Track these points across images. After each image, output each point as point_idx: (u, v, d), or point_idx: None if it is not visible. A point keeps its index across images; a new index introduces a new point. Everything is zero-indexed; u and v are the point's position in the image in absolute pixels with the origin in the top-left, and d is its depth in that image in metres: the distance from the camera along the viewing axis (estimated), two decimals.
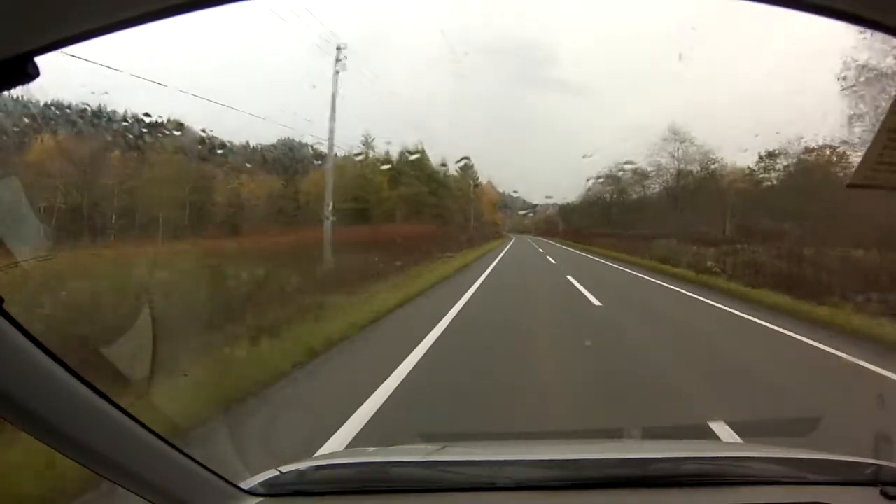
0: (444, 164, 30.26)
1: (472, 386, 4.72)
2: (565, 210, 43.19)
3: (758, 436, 3.42)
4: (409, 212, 25.52)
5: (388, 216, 23.76)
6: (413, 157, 26.53)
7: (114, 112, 12.25)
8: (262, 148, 22.11)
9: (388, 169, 25.90)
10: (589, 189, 36.09)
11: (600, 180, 34.52)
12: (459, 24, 44.73)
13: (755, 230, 19.35)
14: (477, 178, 35.71)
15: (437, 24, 40.95)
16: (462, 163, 34.74)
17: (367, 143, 24.40)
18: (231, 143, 18.70)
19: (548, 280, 14.27)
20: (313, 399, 4.50)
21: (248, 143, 21.07)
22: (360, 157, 23.87)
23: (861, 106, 14.41)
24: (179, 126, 12.83)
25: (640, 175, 31.03)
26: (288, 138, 21.68)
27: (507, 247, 32.99)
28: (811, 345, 6.89)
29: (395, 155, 26.97)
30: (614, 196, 34.91)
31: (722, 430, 3.54)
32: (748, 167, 23.61)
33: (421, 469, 1.33)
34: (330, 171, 14.40)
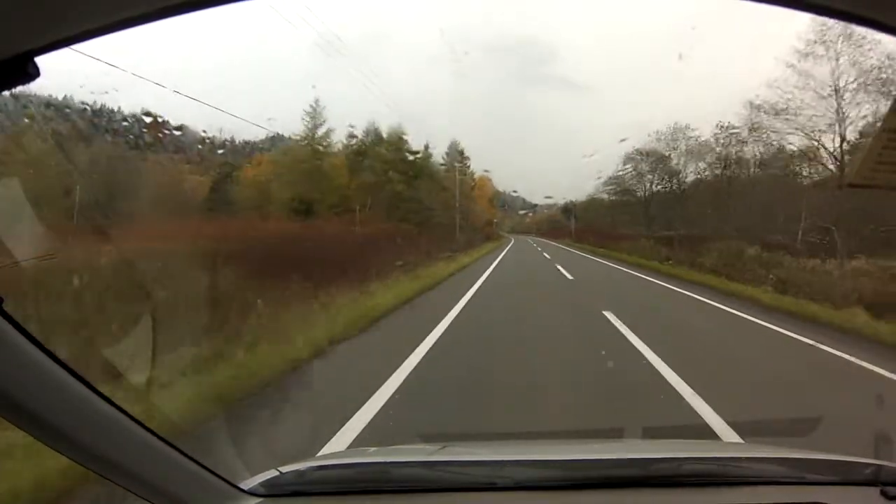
0: (427, 149, 24.58)
1: None
2: (577, 207, 37.85)
3: (758, 436, 3.42)
4: (375, 206, 20.53)
5: (347, 212, 19.46)
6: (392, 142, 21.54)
7: (113, 111, 11.98)
8: (251, 144, 20.51)
9: (349, 153, 21.29)
10: (614, 177, 26.36)
11: (631, 164, 24.77)
12: (459, 22, 44.90)
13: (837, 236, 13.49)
14: (469, 168, 29.88)
15: (436, 23, 41.05)
16: (462, 159, 28.69)
17: (315, 116, 19.73)
18: (214, 137, 16.74)
19: None
20: None
21: (233, 138, 19.15)
22: (306, 137, 19.57)
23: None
24: (179, 127, 12.71)
25: (716, 146, 20.49)
26: (279, 134, 19.83)
27: (500, 258, 22.55)
28: None
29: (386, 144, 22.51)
30: (658, 181, 23.88)
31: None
32: (847, 141, 14.17)
33: (421, 469, 1.34)
34: None
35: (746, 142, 18.92)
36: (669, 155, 23.22)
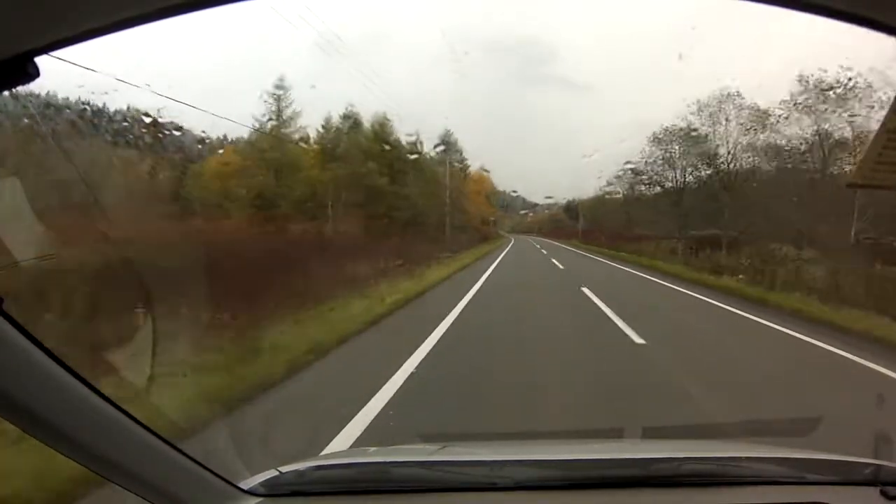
0: (418, 139, 21.57)
1: None
2: (582, 206, 35.26)
3: (758, 436, 3.42)
4: (351, 202, 17.44)
5: (319, 207, 16.68)
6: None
7: (114, 111, 11.86)
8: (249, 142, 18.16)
9: (324, 142, 18.30)
10: (633, 167, 20.95)
11: (660, 147, 19.17)
12: (459, 22, 44.88)
13: None
14: (466, 162, 27.22)
15: (437, 23, 40.97)
16: (454, 151, 25.40)
17: (280, 99, 16.79)
18: (210, 138, 15.75)
19: None
20: None
21: (225, 136, 17.37)
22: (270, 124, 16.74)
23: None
24: (179, 127, 12.61)
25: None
26: (260, 130, 17.17)
27: (496, 264, 17.79)
28: None
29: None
30: (693, 167, 18.66)
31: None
32: None
33: (421, 469, 1.34)
34: None
35: (849, 98, 13.63)
36: (708, 134, 17.74)
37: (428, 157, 23.41)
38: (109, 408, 0.91)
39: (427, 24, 44.66)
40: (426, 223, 20.90)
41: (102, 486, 1.97)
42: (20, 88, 0.67)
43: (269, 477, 1.24)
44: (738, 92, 16.72)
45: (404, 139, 21.04)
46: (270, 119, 17.01)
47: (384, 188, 18.43)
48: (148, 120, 10.63)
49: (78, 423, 0.86)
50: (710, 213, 17.52)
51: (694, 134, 18.29)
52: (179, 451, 1.04)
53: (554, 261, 19.55)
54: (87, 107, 10.50)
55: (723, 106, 17.20)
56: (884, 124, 0.77)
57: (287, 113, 17.08)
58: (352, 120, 19.34)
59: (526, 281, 13.80)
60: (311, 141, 18.44)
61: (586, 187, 35.42)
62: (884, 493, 1.15)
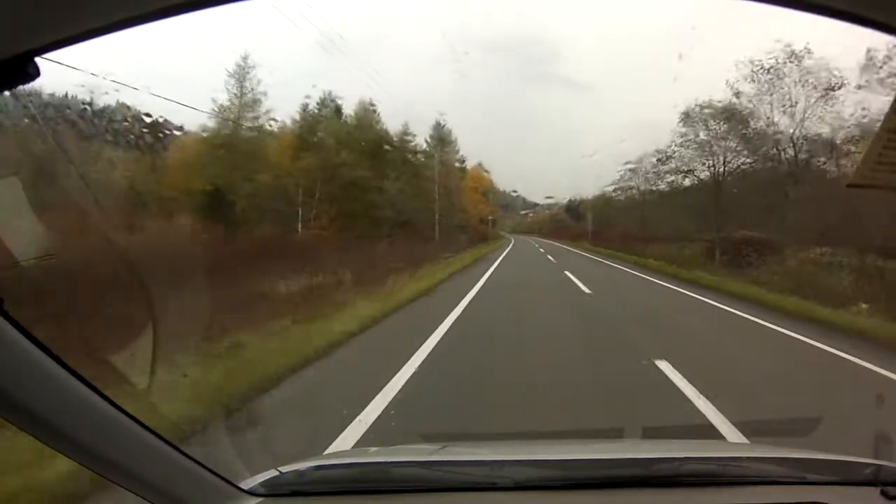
0: (407, 134, 20.07)
1: None
2: (587, 205, 33.17)
3: (758, 436, 3.42)
4: (330, 200, 15.36)
5: (287, 208, 14.63)
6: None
7: (113, 111, 11.76)
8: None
9: (299, 131, 16.14)
10: (661, 154, 17.03)
11: (694, 127, 14.92)
12: (460, 22, 45.01)
13: None
14: (459, 156, 25.75)
15: (437, 23, 41.23)
16: (446, 144, 23.82)
17: (241, 80, 14.63)
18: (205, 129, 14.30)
19: None
20: None
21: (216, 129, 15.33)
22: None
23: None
24: (180, 128, 12.50)
25: None
26: (218, 115, 15.06)
27: (483, 284, 11.66)
28: None
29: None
30: (736, 152, 14.23)
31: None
32: None
33: (421, 469, 1.34)
34: None
35: None
36: (755, 109, 12.97)
37: (420, 155, 22.04)
38: (109, 408, 0.91)
39: (427, 24, 44.84)
40: (414, 222, 18.54)
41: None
42: (20, 88, 0.67)
43: (269, 477, 1.24)
44: (806, 48, 12.27)
45: (396, 134, 19.67)
46: (230, 103, 14.87)
47: (366, 183, 15.88)
48: (149, 120, 10.54)
49: (78, 423, 0.86)
50: (763, 209, 13.35)
51: (741, 108, 13.90)
52: (179, 451, 1.04)
53: (568, 274, 13.80)
54: (87, 107, 10.51)
55: (784, 69, 12.63)
56: (884, 124, 0.76)
57: (249, 96, 14.82)
58: (333, 106, 17.35)
59: (530, 326, 7.62)
60: (288, 130, 16.32)
61: (587, 187, 35.23)
62: (884, 493, 1.15)
